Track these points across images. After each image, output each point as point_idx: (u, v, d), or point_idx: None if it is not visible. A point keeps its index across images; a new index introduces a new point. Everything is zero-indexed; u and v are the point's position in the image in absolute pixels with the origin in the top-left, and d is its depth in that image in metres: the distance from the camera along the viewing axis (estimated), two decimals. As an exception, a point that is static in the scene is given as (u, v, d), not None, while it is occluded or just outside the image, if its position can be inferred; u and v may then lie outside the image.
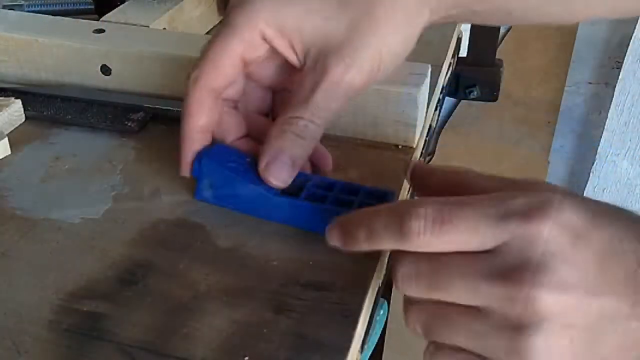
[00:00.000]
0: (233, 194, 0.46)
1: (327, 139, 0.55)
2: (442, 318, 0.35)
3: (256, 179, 0.45)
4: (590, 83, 1.54)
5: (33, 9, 0.74)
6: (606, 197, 1.63)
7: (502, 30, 1.44)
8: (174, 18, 0.69)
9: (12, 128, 0.55)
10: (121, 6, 0.67)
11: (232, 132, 0.48)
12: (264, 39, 0.44)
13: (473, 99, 0.85)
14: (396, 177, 0.50)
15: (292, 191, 0.46)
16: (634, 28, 1.42)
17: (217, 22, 0.77)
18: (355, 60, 0.43)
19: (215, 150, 0.47)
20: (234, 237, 0.45)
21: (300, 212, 0.45)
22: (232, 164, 0.46)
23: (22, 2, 0.74)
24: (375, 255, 0.43)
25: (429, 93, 0.58)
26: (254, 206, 0.46)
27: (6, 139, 0.53)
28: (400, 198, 0.49)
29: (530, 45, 1.50)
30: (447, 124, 1.52)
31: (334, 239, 0.39)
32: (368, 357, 0.44)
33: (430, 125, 0.61)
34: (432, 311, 0.35)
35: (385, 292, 0.46)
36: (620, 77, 1.48)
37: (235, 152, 0.48)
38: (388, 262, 0.48)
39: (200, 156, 0.47)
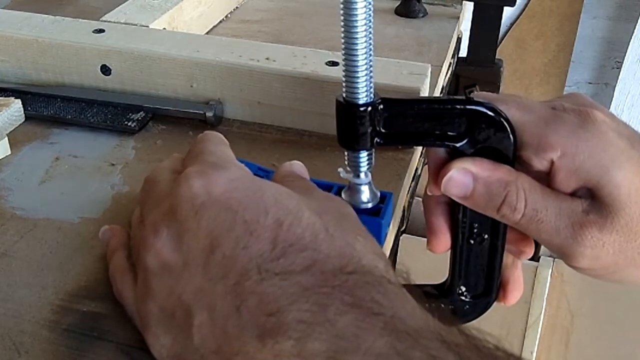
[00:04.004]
0: None
1: (327, 139, 0.55)
2: None
3: None
4: (590, 83, 1.54)
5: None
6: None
7: (502, 30, 1.44)
8: (174, 18, 0.69)
9: (12, 128, 0.55)
10: (121, 6, 0.67)
11: None
12: None
13: (473, 99, 0.85)
14: (395, 177, 0.50)
15: None
16: (634, 28, 1.42)
17: (217, 22, 0.77)
18: None
19: None
20: (233, 237, 0.45)
21: None
22: None
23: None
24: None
25: (429, 93, 0.58)
26: None
27: (6, 139, 0.53)
28: (399, 199, 0.49)
29: (530, 45, 1.50)
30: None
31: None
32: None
33: (430, 126, 0.61)
34: None
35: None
36: (620, 77, 1.48)
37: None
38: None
39: None
